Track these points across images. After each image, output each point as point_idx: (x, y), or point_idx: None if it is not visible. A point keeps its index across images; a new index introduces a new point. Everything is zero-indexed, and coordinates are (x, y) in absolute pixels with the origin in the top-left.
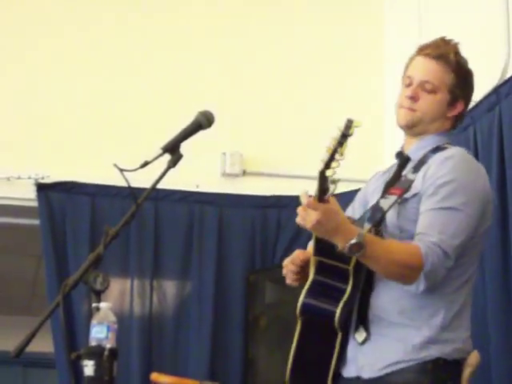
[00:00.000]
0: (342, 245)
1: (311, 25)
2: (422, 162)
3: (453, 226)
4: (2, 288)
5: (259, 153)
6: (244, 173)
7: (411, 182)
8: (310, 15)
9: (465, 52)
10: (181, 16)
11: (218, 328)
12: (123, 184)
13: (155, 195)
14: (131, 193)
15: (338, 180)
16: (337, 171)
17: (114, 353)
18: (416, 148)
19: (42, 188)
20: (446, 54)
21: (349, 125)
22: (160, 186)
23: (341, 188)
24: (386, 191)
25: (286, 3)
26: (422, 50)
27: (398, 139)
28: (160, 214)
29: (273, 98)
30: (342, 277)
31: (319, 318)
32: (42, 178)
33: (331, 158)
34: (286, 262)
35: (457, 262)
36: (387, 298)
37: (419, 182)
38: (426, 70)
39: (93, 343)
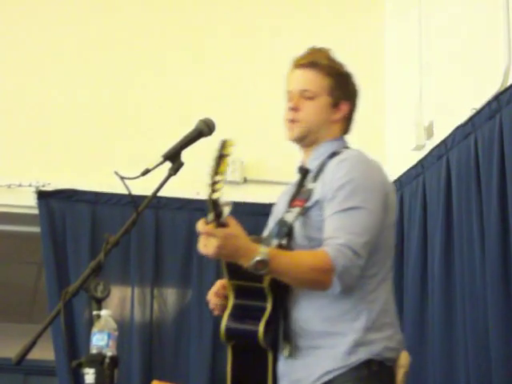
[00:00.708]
0: (247, 264)
1: (313, 33)
2: (320, 170)
3: (358, 225)
4: (2, 295)
5: (260, 160)
6: (245, 180)
7: (311, 191)
8: (309, 23)
9: (465, 59)
10: (181, 24)
11: (218, 336)
12: (124, 192)
13: (156, 203)
14: (132, 200)
15: (231, 202)
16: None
17: (114, 360)
18: (313, 158)
19: (43, 196)
20: (318, 60)
21: (223, 145)
22: (161, 193)
23: None
24: (290, 204)
25: (285, 16)
26: (296, 62)
27: (400, 140)
28: (161, 221)
29: (274, 105)
30: (261, 295)
31: (245, 340)
32: (43, 186)
33: (214, 182)
34: (210, 295)
35: (370, 260)
36: (309, 310)
37: (318, 189)
38: (303, 79)
39: (94, 351)
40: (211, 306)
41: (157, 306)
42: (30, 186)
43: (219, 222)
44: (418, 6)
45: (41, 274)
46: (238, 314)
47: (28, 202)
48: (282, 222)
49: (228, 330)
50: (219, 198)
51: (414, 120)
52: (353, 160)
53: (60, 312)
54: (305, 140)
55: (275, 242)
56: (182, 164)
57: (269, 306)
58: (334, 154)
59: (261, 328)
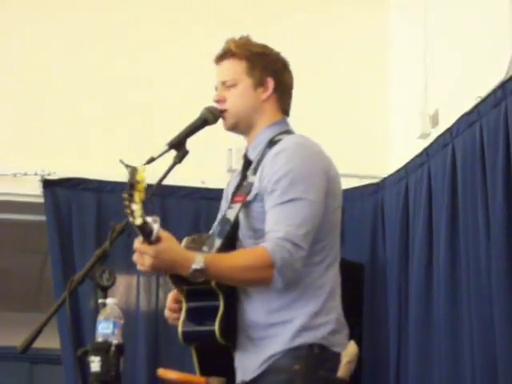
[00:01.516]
0: (185, 274)
1: (318, 22)
2: (259, 162)
3: (298, 217)
4: (8, 284)
5: None
6: None
7: (251, 184)
8: (314, 13)
9: (471, 47)
10: (189, 14)
11: None
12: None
13: (161, 191)
14: None
15: (157, 217)
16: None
17: (120, 348)
18: (252, 148)
19: (48, 184)
20: (227, 49)
21: (132, 173)
22: (166, 182)
23: (353, 183)
24: (232, 200)
25: (289, 14)
26: (215, 60)
27: (405, 129)
28: (166, 210)
29: None
30: (212, 295)
31: (204, 341)
32: (48, 175)
33: (131, 210)
34: (166, 312)
35: (315, 247)
36: (258, 303)
37: (257, 182)
38: (221, 71)
39: (99, 339)
40: (170, 321)
41: (162, 294)
42: (35, 174)
43: (150, 241)
44: None
45: (46, 263)
46: (193, 317)
47: (33, 190)
48: (224, 220)
49: (185, 334)
50: (144, 220)
51: (419, 108)
52: (290, 149)
53: (65, 300)
54: (239, 127)
55: (218, 241)
56: (187, 152)
57: (221, 304)
58: (272, 143)
59: (216, 327)
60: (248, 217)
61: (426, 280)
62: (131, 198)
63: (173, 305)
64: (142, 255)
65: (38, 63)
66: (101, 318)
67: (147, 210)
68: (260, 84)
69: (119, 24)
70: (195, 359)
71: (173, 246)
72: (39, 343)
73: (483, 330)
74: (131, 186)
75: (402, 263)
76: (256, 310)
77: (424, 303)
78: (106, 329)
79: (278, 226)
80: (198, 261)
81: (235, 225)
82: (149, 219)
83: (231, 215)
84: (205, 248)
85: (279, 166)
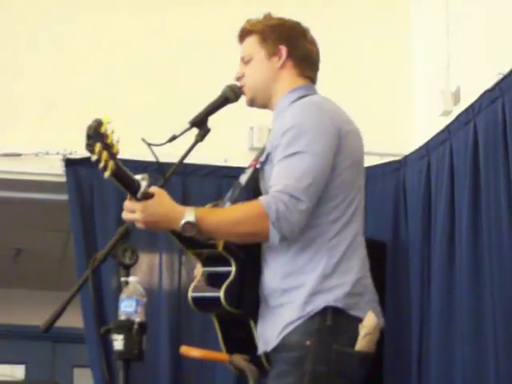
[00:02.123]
0: (177, 229)
1: (338, 6)
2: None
3: (298, 169)
4: (31, 263)
5: None
6: None
7: (264, 148)
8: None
9: (492, 24)
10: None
11: None
12: (151, 159)
13: (183, 169)
14: (159, 167)
15: (146, 175)
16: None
17: (143, 327)
18: (275, 116)
19: (70, 163)
20: (243, 29)
21: (93, 125)
22: (188, 160)
23: (374, 161)
24: (248, 166)
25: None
26: (238, 41)
27: (427, 106)
28: (188, 188)
29: None
30: (226, 261)
31: (213, 307)
32: (70, 154)
33: (95, 162)
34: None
35: (326, 205)
36: (273, 269)
37: (269, 142)
38: (241, 50)
39: (122, 317)
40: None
41: (185, 272)
42: (57, 153)
43: (137, 198)
44: None
45: (69, 242)
46: (207, 281)
47: (55, 169)
48: (236, 184)
49: (193, 299)
50: (116, 173)
51: (440, 86)
52: (298, 106)
53: (88, 279)
54: (258, 100)
55: (228, 204)
56: (208, 130)
57: (233, 270)
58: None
59: (221, 293)
60: (263, 179)
61: (449, 258)
62: (89, 149)
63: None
64: (131, 213)
65: (62, 46)
66: (123, 296)
67: (166, 187)
68: (273, 53)
69: (135, 9)
70: (218, 330)
71: (162, 201)
72: (62, 322)
73: (506, 307)
74: (88, 137)
75: (424, 241)
76: (272, 275)
77: (446, 281)
78: (128, 307)
79: (278, 181)
80: (188, 214)
81: (253, 190)
82: (138, 177)
83: (243, 179)
84: None
85: (285, 121)
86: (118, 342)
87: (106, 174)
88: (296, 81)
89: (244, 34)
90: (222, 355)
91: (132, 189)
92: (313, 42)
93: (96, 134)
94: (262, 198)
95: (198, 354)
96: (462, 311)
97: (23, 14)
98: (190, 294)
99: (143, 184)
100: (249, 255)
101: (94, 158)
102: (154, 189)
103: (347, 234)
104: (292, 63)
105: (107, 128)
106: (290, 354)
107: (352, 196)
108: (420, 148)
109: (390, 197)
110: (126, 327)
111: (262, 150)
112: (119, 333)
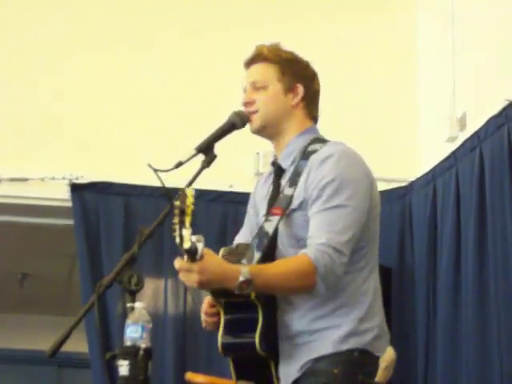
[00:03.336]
0: (232, 288)
1: (346, 26)
2: (296, 173)
3: (340, 223)
4: (36, 288)
5: None
6: None
7: (290, 197)
8: (341, 17)
9: (499, 50)
10: (213, 20)
11: None
12: (157, 184)
13: None
14: (165, 193)
15: (201, 236)
16: (192, 235)
17: (148, 352)
18: (284, 155)
19: (76, 188)
20: (259, 53)
21: (182, 198)
22: (194, 185)
23: (381, 187)
24: (269, 212)
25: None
26: (244, 63)
27: (433, 132)
28: (194, 213)
29: None
30: (250, 307)
31: (243, 352)
32: (76, 179)
33: (182, 236)
34: (202, 317)
35: (358, 253)
36: (302, 311)
37: (301, 190)
38: (251, 73)
39: (127, 343)
40: (207, 326)
41: (190, 297)
42: (63, 178)
43: (194, 259)
44: None
45: (74, 267)
46: (232, 328)
47: (61, 194)
48: (261, 233)
49: (225, 345)
50: (192, 243)
51: (447, 111)
52: (337, 156)
53: (94, 304)
54: (266, 130)
55: (257, 254)
56: (215, 156)
57: (260, 316)
58: (307, 152)
59: (257, 339)
60: (291, 226)
61: (454, 284)
62: (182, 225)
63: (209, 309)
64: (188, 273)
65: (65, 68)
66: (129, 321)
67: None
68: (290, 90)
69: (143, 27)
70: (232, 369)
71: (217, 261)
72: (67, 347)
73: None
74: (182, 211)
75: (429, 267)
76: (301, 318)
77: (452, 307)
78: (134, 333)
79: (319, 233)
80: (244, 272)
81: (274, 238)
82: (193, 238)
83: (269, 228)
84: (244, 261)
85: (326, 171)
86: (124, 367)
87: (187, 245)
88: (305, 122)
89: (257, 59)
90: (228, 382)
91: (192, 253)
92: (319, 83)
93: (184, 208)
94: (308, 252)
95: (204, 380)
96: (468, 337)
97: (28, 41)
98: (220, 341)
99: (200, 246)
100: (268, 299)
101: (185, 233)
102: (205, 249)
103: (372, 280)
104: (305, 103)
105: (192, 201)
106: (317, 379)
107: (376, 244)
108: (426, 174)
109: (396, 222)
110: (131, 353)
111: (286, 197)
112: (125, 358)
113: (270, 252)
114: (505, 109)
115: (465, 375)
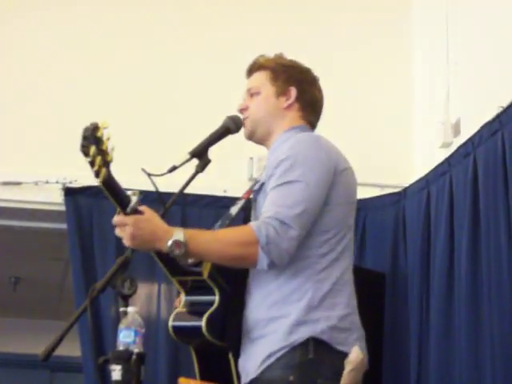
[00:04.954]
0: (163, 247)
1: (341, 35)
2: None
3: (290, 198)
4: (29, 292)
5: None
6: None
7: (256, 181)
8: (336, 26)
9: (492, 56)
10: (208, 24)
11: None
12: (151, 188)
13: (183, 200)
14: (159, 197)
15: (138, 192)
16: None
17: (141, 357)
18: (271, 152)
19: (70, 192)
20: (255, 63)
21: (90, 127)
22: (187, 190)
23: (374, 192)
24: (240, 198)
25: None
26: (245, 75)
27: (427, 138)
28: (187, 218)
29: None
30: (210, 289)
31: (194, 337)
32: (70, 183)
33: (92, 163)
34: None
35: (318, 238)
36: (258, 298)
37: (264, 173)
38: (248, 83)
39: (120, 347)
40: None
41: None
42: (56, 182)
43: (127, 212)
44: (445, 3)
45: (67, 271)
46: (188, 310)
47: (55, 198)
48: (226, 215)
49: (174, 328)
50: (107, 182)
51: (441, 117)
52: (296, 139)
53: (87, 309)
54: (257, 134)
55: None
56: (209, 161)
57: (216, 299)
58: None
59: (203, 322)
60: (255, 209)
61: (448, 290)
62: (84, 150)
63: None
64: (123, 227)
65: (59, 73)
66: (122, 326)
67: (166, 218)
68: (282, 93)
69: (144, 33)
70: (195, 362)
71: (153, 217)
72: (60, 351)
73: (505, 340)
74: (84, 138)
75: (423, 273)
76: (257, 305)
77: (445, 313)
78: (127, 337)
79: (270, 207)
80: (177, 233)
81: (238, 220)
82: (129, 192)
83: (233, 210)
84: None
85: (282, 152)
86: (116, 372)
87: (99, 180)
88: (296, 121)
89: (255, 68)
90: None
91: (122, 202)
92: (320, 91)
93: (92, 137)
94: (252, 223)
95: None
96: (460, 342)
97: (22, 46)
98: (170, 323)
99: (134, 199)
100: (234, 289)
101: (88, 160)
102: (143, 207)
103: (335, 270)
104: (298, 106)
105: (103, 133)
106: None
107: (343, 233)
108: (420, 180)
109: (389, 228)
110: (124, 358)
111: (255, 182)
112: (117, 363)
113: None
114: (499, 115)
115: (458, 379)
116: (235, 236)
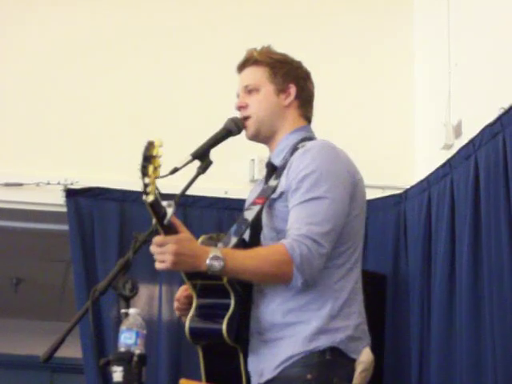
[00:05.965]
0: (202, 265)
1: (342, 33)
2: (282, 167)
3: (320, 214)
4: (31, 293)
5: None
6: None
7: (272, 187)
8: (336, 24)
9: (494, 58)
10: (209, 24)
11: None
12: None
13: (184, 201)
14: (161, 199)
15: (172, 201)
16: (157, 192)
17: (142, 359)
18: (276, 154)
19: (71, 194)
20: (249, 57)
21: (148, 146)
22: (189, 192)
23: (375, 194)
24: (252, 202)
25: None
26: (236, 69)
27: (428, 140)
28: (189, 220)
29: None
30: (224, 292)
31: (211, 339)
32: (71, 184)
33: (144, 185)
34: (174, 303)
35: (335, 251)
36: (273, 303)
37: (283, 181)
38: (243, 77)
39: (122, 349)
40: (177, 314)
41: None
42: (58, 184)
43: (166, 229)
44: (446, 4)
45: (69, 272)
46: (202, 313)
47: (56, 200)
48: (241, 220)
49: (192, 330)
50: (156, 200)
51: (442, 119)
52: (317, 149)
53: (88, 310)
54: (261, 134)
55: (234, 239)
56: (210, 163)
57: (232, 303)
58: (296, 150)
59: (224, 326)
60: (271, 217)
61: (449, 292)
62: (144, 171)
63: (184, 297)
64: (163, 247)
65: (63, 71)
66: (123, 327)
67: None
68: (282, 90)
69: (138, 31)
70: (201, 360)
71: (192, 237)
72: (61, 352)
73: (506, 342)
74: (145, 159)
75: (424, 275)
76: (272, 310)
77: (446, 315)
78: (128, 339)
79: (298, 224)
80: (214, 250)
81: (254, 226)
82: (164, 203)
83: (249, 216)
84: (220, 245)
85: (305, 164)
86: (118, 373)
87: (149, 199)
88: (298, 121)
89: (248, 62)
90: None
91: (157, 211)
92: (313, 84)
93: (149, 157)
94: (285, 242)
95: None
96: (461, 344)
97: (21, 48)
98: (188, 325)
99: (169, 211)
100: (244, 291)
101: (146, 181)
102: (176, 220)
103: (350, 279)
104: (297, 103)
105: (158, 151)
106: None
107: (357, 243)
108: (421, 182)
109: (390, 230)
110: (125, 359)
111: (269, 188)
112: (119, 364)
113: (249, 240)
114: (500, 117)
115: (459, 381)
116: (269, 254)
